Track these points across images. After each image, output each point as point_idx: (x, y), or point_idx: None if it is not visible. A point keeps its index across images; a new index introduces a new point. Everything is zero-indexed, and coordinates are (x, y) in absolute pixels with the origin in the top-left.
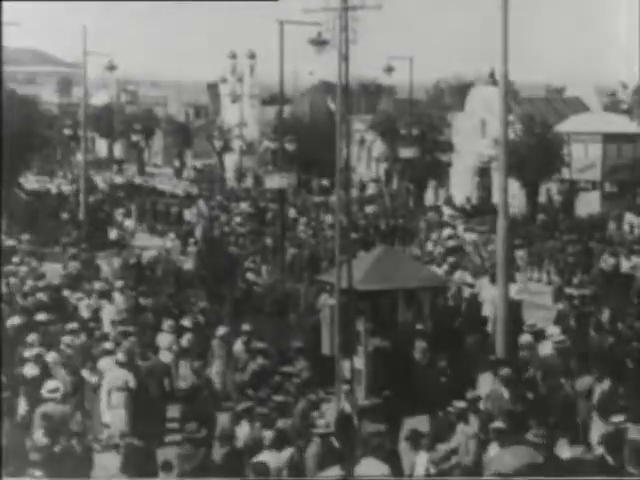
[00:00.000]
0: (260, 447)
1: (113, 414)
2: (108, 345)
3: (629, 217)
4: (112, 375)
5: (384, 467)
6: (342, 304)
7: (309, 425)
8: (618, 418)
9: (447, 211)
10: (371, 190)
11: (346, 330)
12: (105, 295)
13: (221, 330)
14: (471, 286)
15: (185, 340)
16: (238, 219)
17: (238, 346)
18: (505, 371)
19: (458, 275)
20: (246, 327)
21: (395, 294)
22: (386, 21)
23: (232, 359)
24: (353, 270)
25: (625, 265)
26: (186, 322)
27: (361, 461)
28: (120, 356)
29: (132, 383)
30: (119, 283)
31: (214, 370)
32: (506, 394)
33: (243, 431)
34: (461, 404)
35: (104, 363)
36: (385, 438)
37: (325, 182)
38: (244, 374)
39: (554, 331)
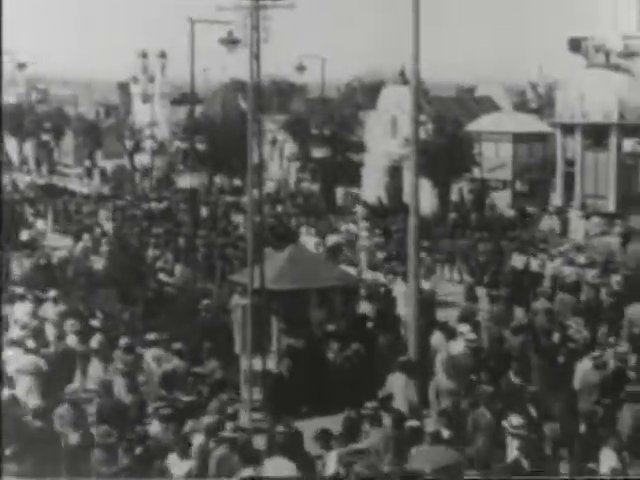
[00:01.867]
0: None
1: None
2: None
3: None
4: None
5: (291, 466)
6: (254, 304)
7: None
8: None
9: (359, 210)
10: (283, 189)
11: (258, 330)
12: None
13: (122, 341)
14: (384, 285)
15: (95, 341)
16: (149, 219)
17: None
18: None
19: (371, 274)
20: (153, 336)
21: (307, 294)
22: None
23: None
24: (265, 270)
25: (534, 264)
26: (95, 323)
27: (269, 461)
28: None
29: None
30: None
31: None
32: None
33: (154, 432)
34: (373, 404)
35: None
36: (293, 437)
37: (237, 181)
38: (155, 377)
39: (465, 329)
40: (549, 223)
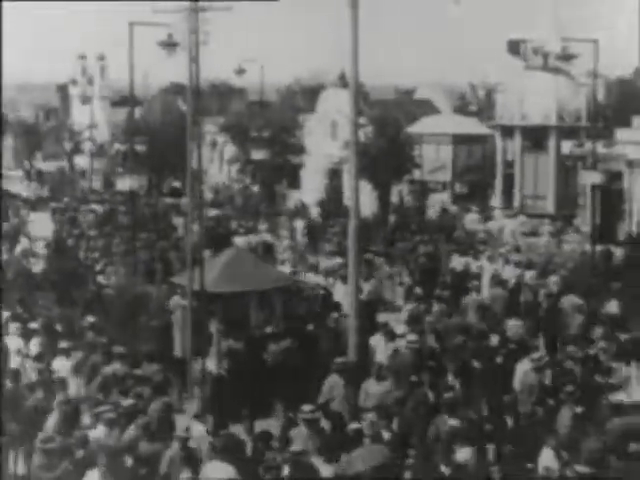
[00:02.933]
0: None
1: None
2: None
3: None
4: None
5: (229, 469)
6: (194, 306)
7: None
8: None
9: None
10: (223, 192)
11: (198, 332)
12: None
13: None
14: (324, 287)
15: (34, 344)
16: (89, 221)
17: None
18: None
19: (311, 276)
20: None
21: (247, 296)
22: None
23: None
24: (205, 272)
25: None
26: (35, 325)
27: (208, 464)
28: None
29: None
30: None
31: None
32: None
33: (99, 435)
34: (310, 407)
35: None
36: (236, 440)
37: (176, 184)
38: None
39: (405, 331)
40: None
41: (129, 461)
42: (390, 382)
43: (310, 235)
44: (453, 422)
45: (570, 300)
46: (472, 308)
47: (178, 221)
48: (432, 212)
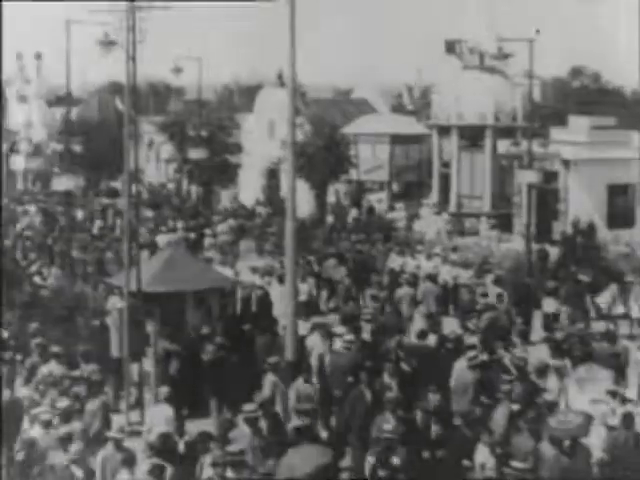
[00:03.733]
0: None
1: None
2: None
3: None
4: None
5: (168, 468)
6: (131, 306)
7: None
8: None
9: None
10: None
11: (135, 333)
12: None
13: None
14: (260, 287)
15: None
16: (25, 222)
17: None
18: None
19: (248, 276)
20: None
21: (184, 296)
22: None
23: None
24: (142, 272)
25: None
26: None
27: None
28: None
29: None
30: None
31: None
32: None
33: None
34: (251, 407)
35: None
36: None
37: (114, 184)
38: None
39: (342, 330)
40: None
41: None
42: (317, 383)
43: (245, 234)
44: (390, 421)
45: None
46: (405, 301)
47: (115, 221)
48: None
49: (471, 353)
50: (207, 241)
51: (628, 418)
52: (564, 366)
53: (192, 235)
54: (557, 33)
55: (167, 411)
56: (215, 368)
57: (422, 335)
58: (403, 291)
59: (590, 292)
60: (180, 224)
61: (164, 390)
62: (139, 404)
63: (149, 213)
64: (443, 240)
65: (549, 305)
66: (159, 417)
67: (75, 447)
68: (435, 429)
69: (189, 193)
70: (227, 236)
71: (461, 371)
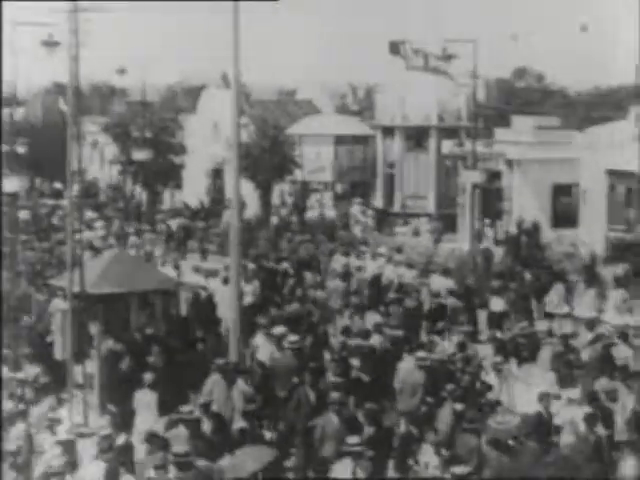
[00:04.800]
0: None
1: None
2: None
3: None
4: None
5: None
6: (74, 308)
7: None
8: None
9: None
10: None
11: (78, 334)
12: None
13: None
14: (204, 288)
15: None
16: None
17: None
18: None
19: (192, 277)
20: None
21: (128, 297)
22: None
23: None
24: (85, 273)
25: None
26: None
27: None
28: None
29: None
30: None
31: None
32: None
33: None
34: (189, 407)
35: None
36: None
37: (58, 185)
38: None
39: (286, 331)
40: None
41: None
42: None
43: (188, 235)
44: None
45: (452, 300)
46: (338, 295)
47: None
48: (313, 213)
49: (420, 353)
50: (151, 241)
51: (590, 418)
52: (509, 366)
53: (136, 236)
54: (501, 34)
55: (150, 396)
56: (159, 369)
57: (366, 335)
58: (333, 284)
59: (534, 292)
60: (124, 225)
61: (148, 376)
62: (84, 406)
63: (93, 214)
64: (370, 236)
65: (496, 305)
66: (143, 402)
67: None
68: (368, 430)
69: (133, 194)
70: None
71: (408, 371)
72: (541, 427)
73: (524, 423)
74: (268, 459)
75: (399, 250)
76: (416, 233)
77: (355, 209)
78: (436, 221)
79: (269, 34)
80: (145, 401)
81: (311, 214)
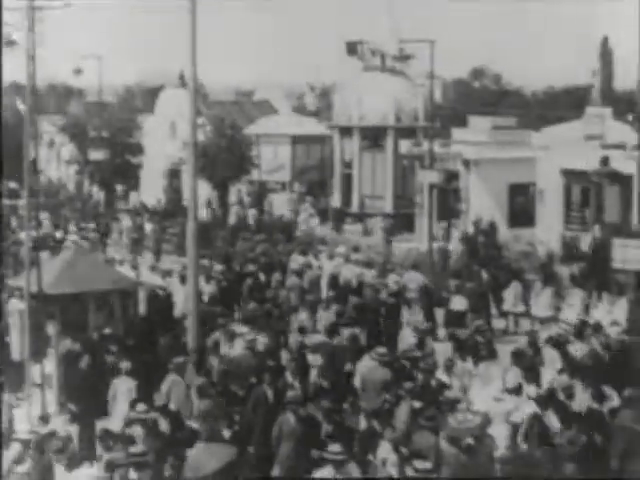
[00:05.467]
0: None
1: None
2: None
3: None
4: None
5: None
6: (32, 308)
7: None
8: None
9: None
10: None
11: (36, 334)
12: None
13: None
14: (163, 288)
15: None
16: None
17: None
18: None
19: (149, 277)
20: None
21: (86, 297)
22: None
23: None
24: (43, 273)
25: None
26: None
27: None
28: None
29: None
30: None
31: None
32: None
33: None
34: (144, 407)
35: None
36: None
37: (14, 185)
38: None
39: (244, 330)
40: None
41: None
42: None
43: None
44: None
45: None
46: (293, 290)
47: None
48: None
49: (380, 349)
50: (109, 241)
51: (535, 416)
52: (465, 364)
53: (93, 235)
54: (458, 34)
55: (130, 383)
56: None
57: (331, 332)
58: (290, 281)
59: (491, 290)
60: (82, 225)
61: (125, 364)
62: (41, 405)
63: (48, 214)
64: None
65: (457, 303)
66: (122, 389)
67: None
68: (326, 428)
69: (90, 194)
70: (129, 236)
71: (369, 368)
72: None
73: (485, 422)
74: (229, 458)
75: (356, 249)
76: (367, 232)
77: (303, 208)
78: (387, 219)
79: (226, 34)
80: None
81: (268, 214)
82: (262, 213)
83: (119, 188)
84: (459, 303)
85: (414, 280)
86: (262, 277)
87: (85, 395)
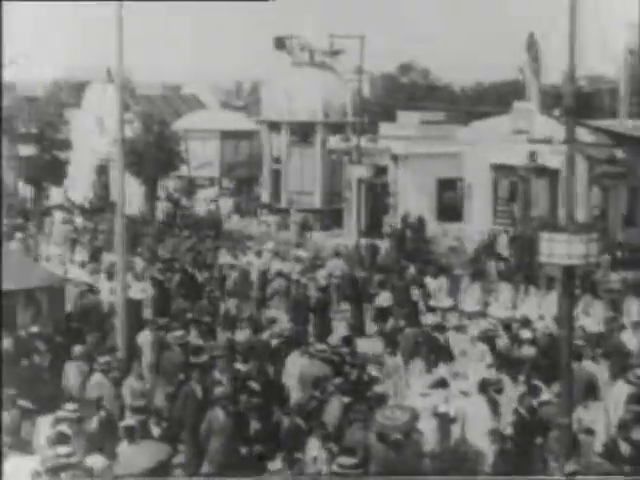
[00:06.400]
0: None
1: None
2: None
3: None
4: None
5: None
6: None
7: None
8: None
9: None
10: None
11: None
12: None
13: None
14: (90, 285)
15: None
16: None
17: None
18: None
19: (76, 273)
20: None
21: (13, 295)
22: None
23: None
24: None
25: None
26: None
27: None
28: None
29: None
30: None
31: None
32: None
33: None
34: (73, 406)
35: None
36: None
37: None
38: None
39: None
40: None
41: None
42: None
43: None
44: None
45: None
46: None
47: None
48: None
49: (319, 346)
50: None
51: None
52: (394, 359)
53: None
54: (387, 29)
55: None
56: (46, 367)
57: (258, 329)
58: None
59: (419, 285)
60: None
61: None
62: None
63: None
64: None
65: (384, 299)
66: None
67: None
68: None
69: (17, 190)
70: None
71: (304, 365)
72: None
73: (413, 418)
74: (161, 456)
75: (286, 244)
76: (282, 226)
77: (223, 203)
78: (302, 214)
79: (154, 28)
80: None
81: (197, 210)
82: (191, 209)
83: (47, 184)
84: (384, 299)
85: (338, 267)
86: (190, 273)
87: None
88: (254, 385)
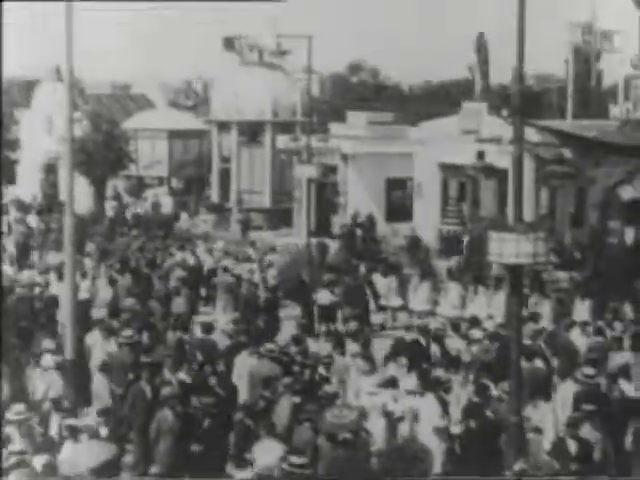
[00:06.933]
0: None
1: None
2: None
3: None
4: None
5: None
6: None
7: None
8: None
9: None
10: None
11: None
12: None
13: None
14: (40, 284)
15: None
16: None
17: None
18: None
19: (27, 274)
20: None
21: None
22: None
23: None
24: None
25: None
26: None
27: None
28: None
29: None
30: None
31: None
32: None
33: None
34: (20, 407)
35: None
36: None
37: None
38: None
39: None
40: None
41: None
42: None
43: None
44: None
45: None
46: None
47: None
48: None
49: (269, 345)
50: None
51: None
52: (344, 359)
53: None
54: (336, 29)
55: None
56: None
57: (208, 329)
58: (177, 274)
59: (369, 284)
60: None
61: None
62: None
63: None
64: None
65: (323, 297)
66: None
67: None
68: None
69: None
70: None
71: (253, 364)
72: None
73: (361, 417)
74: (107, 456)
75: (237, 244)
76: (223, 225)
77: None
78: (244, 213)
79: (103, 28)
80: None
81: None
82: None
83: None
84: (323, 297)
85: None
86: (140, 273)
87: None
88: (212, 381)
